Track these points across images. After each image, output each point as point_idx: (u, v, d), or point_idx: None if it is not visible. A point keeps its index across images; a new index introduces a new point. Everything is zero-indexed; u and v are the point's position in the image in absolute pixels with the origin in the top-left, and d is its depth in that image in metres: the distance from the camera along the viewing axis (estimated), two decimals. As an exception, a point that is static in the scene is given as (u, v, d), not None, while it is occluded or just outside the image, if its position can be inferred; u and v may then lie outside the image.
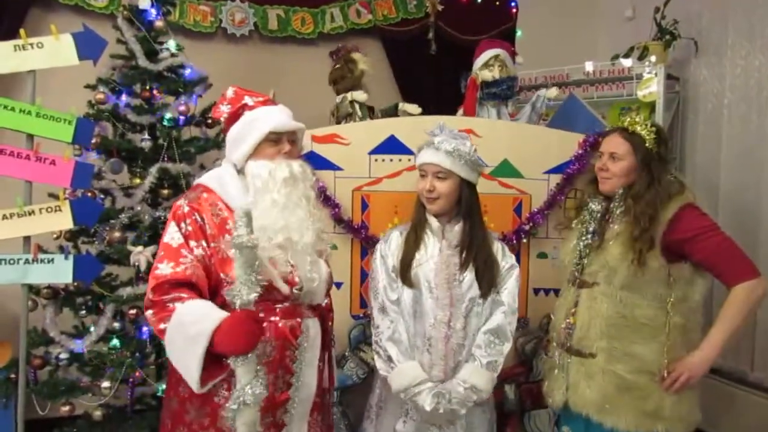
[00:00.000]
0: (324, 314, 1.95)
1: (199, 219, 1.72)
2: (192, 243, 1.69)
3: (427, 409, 2.01)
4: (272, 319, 1.75)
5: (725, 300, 2.05)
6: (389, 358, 2.10)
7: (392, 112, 3.20)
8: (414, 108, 3.11)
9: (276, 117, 1.82)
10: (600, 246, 2.11)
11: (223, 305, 1.60)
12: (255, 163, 1.79)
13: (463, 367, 2.09)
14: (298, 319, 1.79)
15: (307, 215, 1.80)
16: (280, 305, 1.77)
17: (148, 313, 1.65)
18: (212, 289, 1.71)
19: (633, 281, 2.04)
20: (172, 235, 1.71)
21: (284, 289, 1.74)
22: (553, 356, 2.23)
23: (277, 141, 1.81)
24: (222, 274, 1.70)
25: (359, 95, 3.11)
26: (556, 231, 2.51)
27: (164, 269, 1.65)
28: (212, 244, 1.71)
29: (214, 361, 1.54)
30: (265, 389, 1.54)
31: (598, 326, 2.08)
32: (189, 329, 1.54)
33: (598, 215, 2.16)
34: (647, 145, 2.08)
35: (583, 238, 2.16)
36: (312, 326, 1.83)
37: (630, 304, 2.06)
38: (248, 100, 1.85)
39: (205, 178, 1.85)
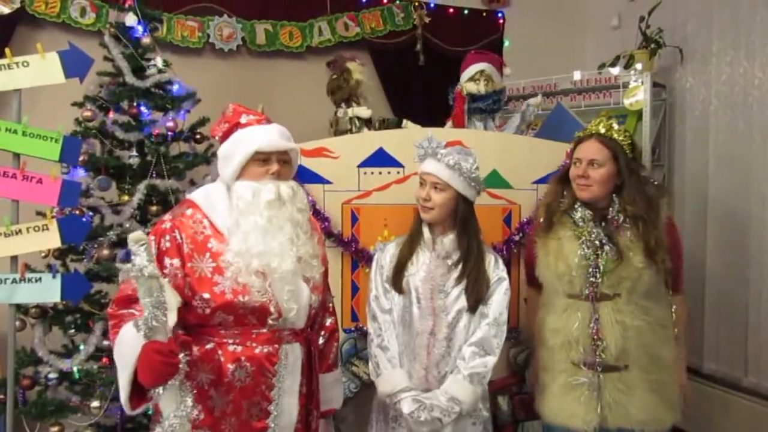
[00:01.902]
0: (310, 338, 1.88)
1: (178, 237, 1.69)
2: (166, 260, 1.68)
3: (405, 412, 2.05)
4: (248, 344, 1.71)
5: (679, 314, 2.26)
6: (377, 365, 2.17)
7: (394, 128, 3.21)
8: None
9: (264, 136, 1.76)
10: (620, 257, 2.05)
11: (198, 323, 1.69)
12: (241, 184, 1.74)
13: (447, 378, 2.11)
14: (276, 345, 1.74)
15: (291, 240, 1.73)
16: (256, 330, 1.72)
17: (109, 324, 1.66)
18: (187, 307, 1.69)
19: (652, 288, 2.08)
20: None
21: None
22: (573, 377, 2.09)
23: (265, 161, 1.75)
24: (199, 294, 1.67)
25: (362, 111, 3.11)
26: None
27: (130, 284, 1.64)
28: (189, 264, 1.68)
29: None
30: (187, 414, 1.55)
31: (632, 338, 2.04)
32: (122, 355, 1.56)
33: (592, 224, 2.10)
34: (626, 149, 2.09)
35: (590, 249, 2.07)
36: (291, 352, 1.77)
37: (650, 310, 2.08)
38: (243, 118, 1.81)
39: (195, 194, 1.82)
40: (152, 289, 1.44)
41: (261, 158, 1.75)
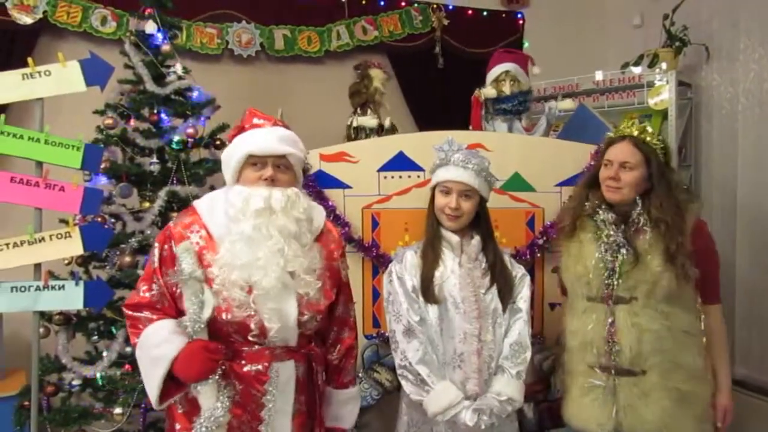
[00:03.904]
0: (312, 354, 1.77)
1: (173, 247, 1.67)
2: (162, 269, 1.69)
3: (470, 425, 1.97)
4: (238, 362, 1.65)
5: (709, 326, 2.14)
6: (422, 381, 2.02)
7: None
8: None
9: (258, 139, 1.68)
10: (637, 260, 2.02)
11: None
12: (235, 189, 1.69)
13: (494, 380, 2.07)
14: (266, 364, 1.66)
15: (280, 252, 1.62)
16: (247, 348, 1.66)
17: (126, 324, 1.72)
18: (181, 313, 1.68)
19: (674, 293, 2.01)
20: (153, 257, 1.72)
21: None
22: (589, 381, 2.08)
23: (260, 165, 1.68)
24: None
25: (367, 121, 3.09)
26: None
27: (139, 290, 1.72)
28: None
29: (174, 381, 1.62)
30: (225, 414, 1.60)
31: (648, 342, 2.00)
32: (152, 351, 1.62)
33: (613, 227, 2.07)
34: (658, 154, 2.04)
35: (608, 251, 2.05)
36: (284, 370, 1.68)
37: (672, 316, 2.02)
38: (250, 122, 1.76)
39: (200, 200, 1.79)
40: (197, 291, 1.57)
41: (255, 162, 1.69)
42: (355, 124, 3.09)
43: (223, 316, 1.62)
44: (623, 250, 2.03)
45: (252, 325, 1.63)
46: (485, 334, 2.06)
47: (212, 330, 1.64)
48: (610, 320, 2.04)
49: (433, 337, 2.07)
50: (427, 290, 2.08)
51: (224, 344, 1.65)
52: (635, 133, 2.07)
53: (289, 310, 1.66)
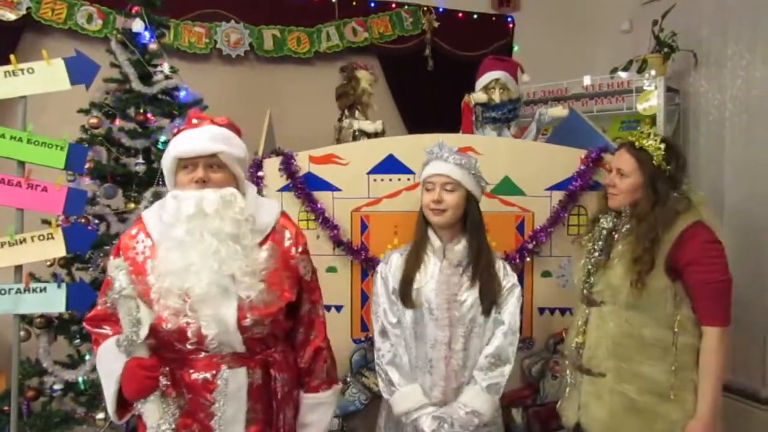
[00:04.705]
0: (269, 359, 1.70)
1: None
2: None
3: (426, 431, 2.00)
4: (185, 370, 1.62)
5: (702, 347, 1.97)
6: (390, 382, 2.08)
7: None
8: None
9: (184, 142, 1.62)
10: (606, 265, 2.08)
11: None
12: (169, 194, 1.64)
13: (464, 390, 2.06)
14: (214, 371, 1.61)
15: (214, 254, 1.57)
16: (194, 355, 1.62)
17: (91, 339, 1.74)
18: None
19: (637, 301, 1.99)
20: (108, 270, 1.70)
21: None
22: (566, 375, 2.22)
23: (191, 167, 1.62)
24: None
25: (367, 126, 3.06)
26: (558, 249, 2.49)
27: (97, 303, 1.72)
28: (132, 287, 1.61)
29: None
30: (171, 428, 1.57)
31: (605, 345, 2.05)
32: (106, 368, 1.62)
33: (605, 232, 2.12)
34: (654, 161, 2.01)
35: (591, 255, 2.13)
36: (234, 378, 1.62)
37: (637, 324, 2.01)
38: (187, 124, 1.69)
39: (148, 210, 1.74)
40: (131, 309, 1.53)
41: (186, 165, 1.63)
42: (355, 127, 3.06)
43: (163, 325, 1.58)
44: (596, 254, 2.12)
45: (189, 333, 1.58)
46: (455, 342, 2.05)
47: (157, 339, 1.61)
48: (585, 320, 2.13)
49: (408, 340, 2.10)
50: (405, 294, 2.08)
51: (170, 352, 1.63)
52: (632, 140, 2.08)
53: (227, 314, 1.60)
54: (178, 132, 1.70)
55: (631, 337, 2.01)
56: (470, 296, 2.07)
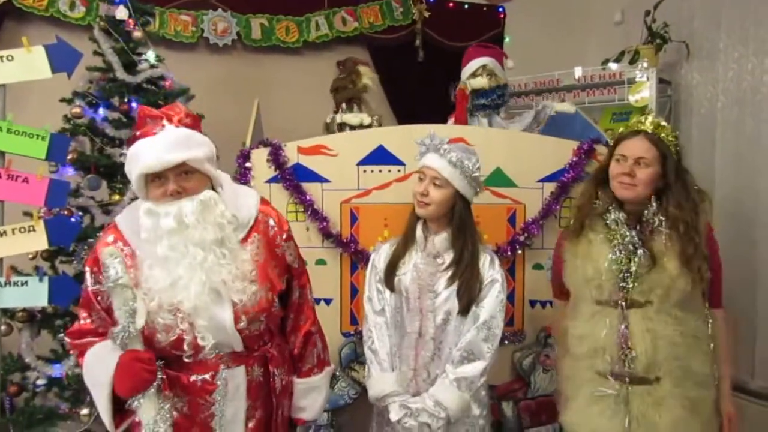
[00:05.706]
0: (267, 354, 1.70)
1: (98, 272, 1.58)
2: (100, 290, 1.60)
3: (392, 419, 2.02)
4: (183, 372, 1.60)
5: (715, 330, 2.05)
6: (369, 367, 2.13)
7: None
8: None
9: (146, 156, 1.51)
10: (654, 262, 1.93)
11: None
12: (143, 208, 1.56)
13: (436, 382, 2.05)
14: (213, 372, 1.60)
15: (200, 265, 1.53)
16: (191, 359, 1.59)
17: (75, 353, 1.68)
18: None
19: (687, 297, 1.94)
20: (86, 282, 1.65)
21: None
22: (599, 388, 1.97)
23: (161, 180, 1.53)
24: None
25: (351, 118, 3.03)
26: (550, 241, 2.41)
27: (80, 318, 1.66)
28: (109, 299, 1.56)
29: (124, 402, 1.55)
30: (169, 426, 1.53)
31: (663, 349, 1.92)
32: (93, 377, 1.57)
33: (626, 227, 1.97)
34: (673, 151, 1.95)
35: (622, 252, 1.94)
36: (232, 378, 1.62)
37: (684, 321, 1.94)
38: (140, 126, 1.59)
39: (120, 216, 1.67)
40: (127, 299, 1.48)
41: (155, 177, 1.54)
42: (338, 120, 3.03)
43: (157, 337, 1.55)
44: (639, 252, 1.94)
45: (185, 345, 1.56)
46: (426, 333, 2.05)
47: (151, 348, 1.57)
48: (623, 325, 1.93)
49: (390, 328, 2.12)
50: (387, 278, 2.12)
51: (166, 357, 1.60)
52: (650, 129, 1.96)
53: (224, 318, 1.58)
54: (134, 139, 1.59)
55: (683, 334, 1.93)
56: (447, 290, 2.05)
